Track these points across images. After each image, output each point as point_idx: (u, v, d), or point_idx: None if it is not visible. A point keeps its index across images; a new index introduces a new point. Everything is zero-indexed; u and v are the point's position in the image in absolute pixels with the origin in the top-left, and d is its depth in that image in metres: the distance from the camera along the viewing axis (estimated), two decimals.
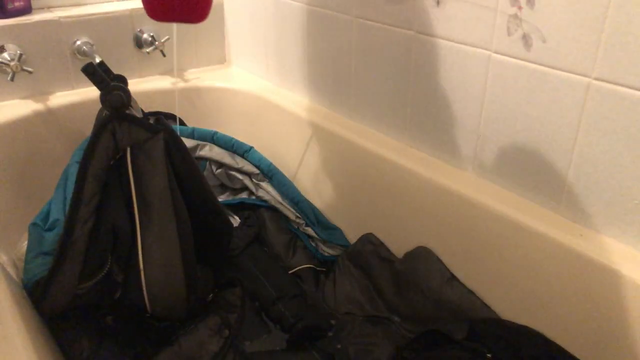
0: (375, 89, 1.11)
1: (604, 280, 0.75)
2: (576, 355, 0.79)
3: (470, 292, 0.93)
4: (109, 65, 1.10)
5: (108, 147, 0.84)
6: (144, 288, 0.88)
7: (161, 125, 0.87)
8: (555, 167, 0.83)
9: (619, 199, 0.77)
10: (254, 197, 1.28)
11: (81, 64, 1.11)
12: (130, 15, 1.37)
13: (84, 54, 1.31)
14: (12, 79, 1.20)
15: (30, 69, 1.22)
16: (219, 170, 1.28)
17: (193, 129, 1.26)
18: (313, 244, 1.18)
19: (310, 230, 1.19)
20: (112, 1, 1.43)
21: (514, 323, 0.86)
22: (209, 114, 1.45)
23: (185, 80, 1.45)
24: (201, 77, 1.48)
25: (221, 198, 1.31)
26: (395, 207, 1.05)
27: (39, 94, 1.30)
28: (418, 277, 0.98)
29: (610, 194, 0.78)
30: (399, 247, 1.06)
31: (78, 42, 1.31)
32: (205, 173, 1.27)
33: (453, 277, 0.95)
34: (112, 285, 0.89)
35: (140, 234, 0.86)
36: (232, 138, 1.27)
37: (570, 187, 0.82)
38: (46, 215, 0.98)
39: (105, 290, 0.89)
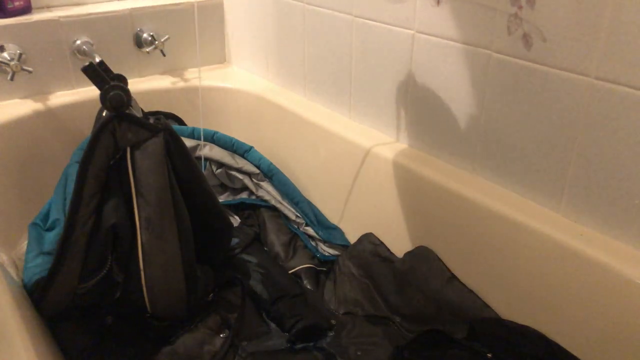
0: (375, 89, 1.11)
1: (604, 280, 0.75)
2: (577, 355, 0.79)
3: (471, 291, 0.93)
4: (109, 65, 1.10)
5: (108, 146, 0.84)
6: (144, 288, 0.88)
7: (161, 124, 0.87)
8: (555, 166, 0.83)
9: (619, 199, 0.77)
10: (254, 197, 1.28)
11: (81, 64, 1.11)
12: (130, 14, 1.37)
13: (84, 53, 1.31)
14: (12, 79, 1.20)
15: (30, 69, 1.22)
16: (219, 170, 1.28)
17: (193, 129, 1.26)
18: (313, 244, 1.18)
19: (310, 230, 1.19)
20: (112, 1, 1.42)
21: (514, 323, 0.86)
22: (209, 114, 1.45)
23: (185, 80, 1.45)
24: (201, 77, 1.48)
25: (221, 198, 1.31)
26: (395, 207, 1.05)
27: (39, 93, 1.30)
28: (418, 276, 0.98)
29: (610, 194, 0.78)
30: (399, 247, 1.06)
31: (78, 42, 1.30)
32: (205, 173, 1.27)
33: (453, 277, 0.95)
34: (112, 285, 0.89)
35: (140, 234, 0.86)
36: (232, 138, 1.27)
37: (571, 187, 0.82)
38: (46, 215, 0.98)
39: (105, 290, 0.89)
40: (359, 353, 0.93)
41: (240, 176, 1.28)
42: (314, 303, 1.04)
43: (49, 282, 0.82)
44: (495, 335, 0.85)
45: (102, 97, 0.84)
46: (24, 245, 0.96)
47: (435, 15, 0.94)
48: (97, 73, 0.89)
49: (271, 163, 1.26)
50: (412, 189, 1.01)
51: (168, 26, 1.43)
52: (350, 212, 1.17)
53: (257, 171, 1.26)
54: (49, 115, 1.26)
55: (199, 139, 1.26)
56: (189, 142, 1.23)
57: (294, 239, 1.20)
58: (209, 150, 1.26)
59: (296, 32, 1.27)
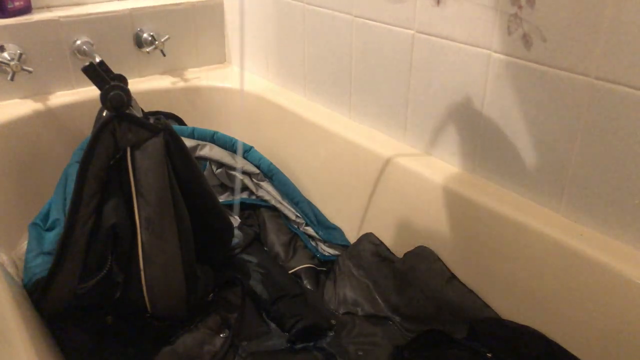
0: (375, 89, 1.11)
1: (604, 280, 0.75)
2: (577, 355, 0.79)
3: (471, 291, 0.93)
4: (109, 65, 1.10)
5: (108, 146, 0.84)
6: (144, 288, 0.88)
7: (161, 124, 0.87)
8: (555, 166, 0.83)
9: (619, 199, 0.77)
10: (254, 197, 1.28)
11: (81, 64, 1.11)
12: (130, 14, 1.37)
13: (84, 53, 1.31)
14: (12, 79, 1.20)
15: (30, 69, 1.22)
16: (219, 170, 1.28)
17: (193, 129, 1.26)
18: (313, 244, 1.18)
19: (310, 230, 1.19)
20: (112, 1, 1.42)
21: (514, 323, 0.86)
22: (209, 114, 1.45)
23: (185, 80, 1.45)
24: (201, 77, 1.48)
25: (221, 198, 1.31)
26: (395, 207, 1.05)
27: (39, 93, 1.30)
28: (418, 276, 0.98)
29: (610, 194, 0.78)
30: (399, 247, 1.06)
31: (78, 42, 1.30)
32: (205, 173, 1.27)
33: (453, 277, 0.95)
34: (112, 285, 0.89)
35: (140, 234, 0.86)
36: (232, 138, 1.27)
37: (570, 186, 0.82)
38: (46, 215, 0.98)
39: (105, 290, 0.89)
40: (359, 353, 0.93)
41: (240, 176, 1.28)
42: (314, 303, 1.04)
43: (49, 282, 0.82)
44: (495, 335, 0.85)
45: (102, 97, 0.84)
46: (24, 245, 0.96)
47: (435, 15, 0.94)
48: (97, 73, 0.89)
49: (271, 163, 1.26)
50: (411, 188, 1.01)
51: (168, 26, 1.43)
52: (351, 212, 1.17)
53: (257, 171, 1.26)
54: (49, 115, 1.26)
55: (199, 139, 1.26)
56: (189, 142, 1.23)
57: (294, 239, 1.20)
58: (209, 150, 1.26)
59: (296, 32, 1.27)
